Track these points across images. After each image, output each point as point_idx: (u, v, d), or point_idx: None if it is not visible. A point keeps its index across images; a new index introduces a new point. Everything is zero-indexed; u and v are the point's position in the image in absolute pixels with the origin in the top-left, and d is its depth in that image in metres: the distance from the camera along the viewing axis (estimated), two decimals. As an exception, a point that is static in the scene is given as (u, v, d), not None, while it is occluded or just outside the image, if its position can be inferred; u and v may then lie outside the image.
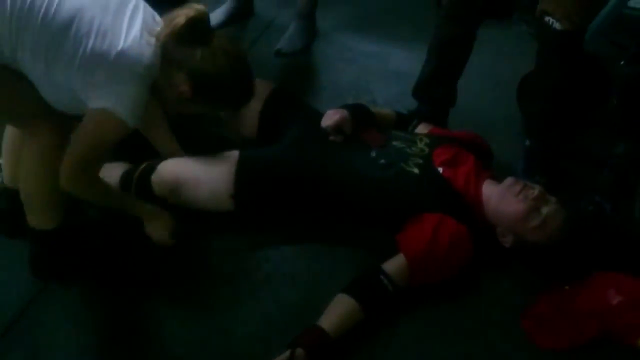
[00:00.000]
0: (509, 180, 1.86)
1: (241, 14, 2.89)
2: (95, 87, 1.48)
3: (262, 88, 2.15)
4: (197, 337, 1.69)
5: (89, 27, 1.45)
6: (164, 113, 1.96)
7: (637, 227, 1.97)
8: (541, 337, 1.73)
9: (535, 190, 1.80)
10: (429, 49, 2.30)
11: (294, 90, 2.33)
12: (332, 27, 2.97)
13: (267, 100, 2.12)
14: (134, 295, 1.79)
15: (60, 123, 1.62)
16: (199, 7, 1.53)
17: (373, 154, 1.92)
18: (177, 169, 1.88)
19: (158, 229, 1.81)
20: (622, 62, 2.49)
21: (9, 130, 1.80)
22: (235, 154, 1.92)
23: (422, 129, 2.16)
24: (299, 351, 1.54)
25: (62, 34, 1.45)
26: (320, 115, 2.02)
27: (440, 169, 1.89)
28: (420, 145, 1.96)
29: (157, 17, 1.60)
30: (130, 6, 1.53)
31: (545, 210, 1.78)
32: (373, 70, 2.74)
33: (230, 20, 2.81)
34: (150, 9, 1.60)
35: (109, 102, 1.48)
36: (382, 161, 1.89)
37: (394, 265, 1.74)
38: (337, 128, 1.95)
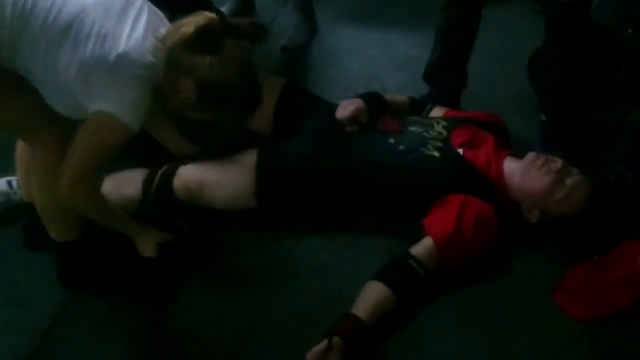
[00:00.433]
0: (530, 155, 1.86)
1: (243, 11, 2.89)
2: (95, 91, 1.45)
3: (274, 84, 2.16)
4: (230, 334, 1.69)
5: (89, 30, 1.43)
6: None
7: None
8: (574, 309, 1.73)
9: (558, 162, 1.80)
10: (436, 33, 2.31)
11: (303, 84, 2.33)
12: (335, 19, 2.98)
13: (280, 95, 2.13)
14: (161, 300, 1.80)
15: (63, 135, 1.57)
16: (210, 15, 1.50)
17: (391, 140, 1.92)
18: (198, 172, 1.89)
19: (148, 244, 1.79)
20: (629, 31, 2.48)
21: (19, 145, 1.79)
22: (253, 152, 1.92)
23: (436, 112, 2.16)
24: (336, 340, 1.54)
25: (61, 38, 1.43)
26: (334, 107, 2.02)
27: (461, 150, 1.89)
28: (438, 128, 1.96)
29: (164, 18, 1.57)
30: (135, 8, 1.51)
31: (569, 181, 1.78)
32: (381, 58, 2.75)
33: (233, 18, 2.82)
34: (155, 9, 1.57)
35: (110, 105, 1.45)
36: (402, 147, 1.89)
37: (422, 248, 1.74)
38: (353, 118, 1.95)
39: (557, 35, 2.10)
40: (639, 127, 2.11)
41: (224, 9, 2.82)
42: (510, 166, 1.88)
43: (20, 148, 1.79)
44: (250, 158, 1.90)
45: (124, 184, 1.93)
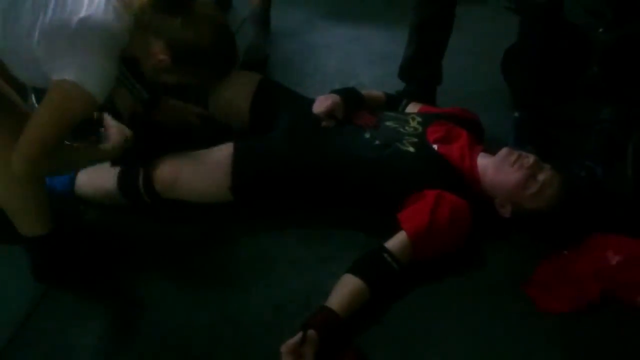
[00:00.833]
0: (503, 151, 1.89)
1: (219, 7, 2.88)
2: (57, 58, 1.38)
3: (250, 79, 2.16)
4: (206, 325, 1.69)
5: None
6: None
7: (629, 186, 2.01)
8: (545, 302, 1.75)
9: (531, 158, 1.83)
10: (410, 31, 2.33)
11: (280, 80, 2.34)
12: (311, 16, 2.99)
13: (256, 90, 2.13)
14: (137, 290, 1.79)
15: (17, 126, 1.47)
16: None
17: (367, 135, 1.93)
18: (173, 165, 1.88)
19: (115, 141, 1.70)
20: (600, 30, 2.53)
21: None
22: (230, 146, 1.92)
23: (411, 108, 2.18)
24: (311, 332, 1.54)
25: (19, 5, 1.37)
26: (310, 102, 2.03)
27: (435, 146, 1.91)
28: (413, 124, 1.98)
29: None
30: None
31: (541, 177, 1.81)
32: (357, 54, 2.77)
33: None
34: None
35: (72, 73, 1.37)
36: (377, 142, 1.90)
37: (396, 242, 1.75)
38: (329, 113, 1.96)
39: (531, 33, 2.14)
40: (609, 124, 2.17)
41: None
42: (484, 161, 1.91)
43: None
44: (226, 152, 1.90)
45: (98, 177, 1.93)
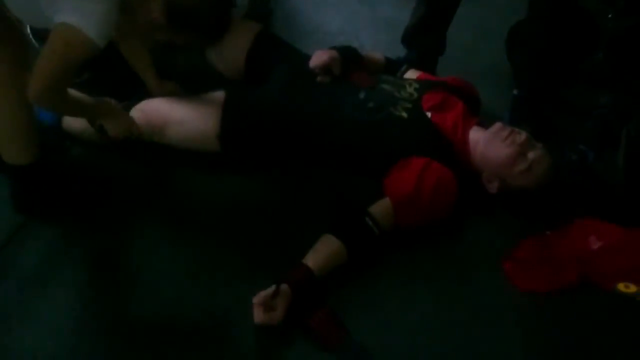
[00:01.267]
0: (496, 125, 1.87)
1: None
2: (59, 2, 1.40)
3: (249, 29, 2.13)
4: (182, 270, 1.69)
5: None
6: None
7: (619, 175, 2.00)
8: (521, 280, 1.76)
9: (522, 135, 1.81)
10: (420, -5, 2.29)
11: (280, 35, 2.30)
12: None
13: (254, 41, 2.10)
14: (117, 231, 1.78)
15: (12, 52, 1.54)
16: None
17: (362, 95, 1.90)
18: (163, 107, 1.86)
19: (116, 126, 1.79)
20: (609, 16, 2.49)
21: None
22: (221, 94, 1.90)
23: (410, 74, 2.15)
24: (284, 287, 1.55)
25: None
26: (307, 58, 2.00)
27: (429, 114, 1.89)
28: (410, 90, 1.95)
29: None
30: None
31: (531, 155, 1.80)
32: (362, 17, 2.73)
33: None
34: None
35: (73, 17, 1.39)
36: (371, 104, 1.88)
37: (379, 207, 1.74)
38: (326, 68, 1.93)
39: (539, 12, 2.10)
40: (606, 110, 2.15)
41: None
42: (476, 135, 1.89)
43: None
44: (217, 99, 1.87)
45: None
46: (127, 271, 1.69)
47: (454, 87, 2.05)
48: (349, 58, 1.99)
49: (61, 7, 1.41)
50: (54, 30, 1.44)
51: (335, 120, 1.86)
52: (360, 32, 2.63)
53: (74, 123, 1.91)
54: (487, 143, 1.84)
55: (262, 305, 1.52)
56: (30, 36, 2.06)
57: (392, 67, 2.16)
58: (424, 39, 2.32)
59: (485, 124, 1.94)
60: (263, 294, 1.52)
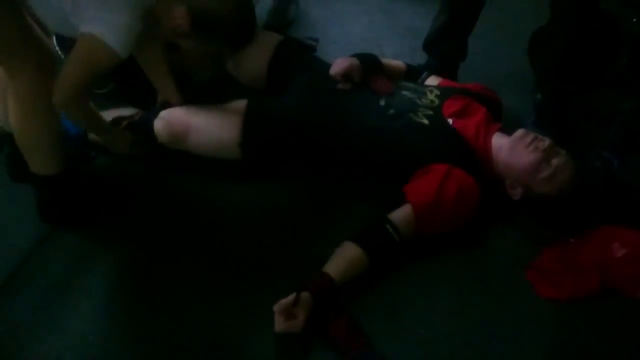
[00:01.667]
0: (519, 131, 1.85)
1: None
2: (84, 12, 1.44)
3: (270, 39, 2.14)
4: (205, 279, 1.71)
5: None
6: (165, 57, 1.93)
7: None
8: (544, 287, 1.74)
9: (546, 141, 1.79)
10: (441, 1, 2.28)
11: (302, 44, 2.32)
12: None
13: (275, 51, 2.11)
14: (141, 239, 1.81)
15: (40, 62, 1.58)
16: None
17: (382, 102, 1.90)
18: (186, 115, 1.88)
19: (111, 145, 1.88)
20: (634, 20, 2.46)
21: None
22: (243, 102, 1.91)
23: (431, 81, 2.14)
24: (305, 295, 1.55)
25: None
26: (328, 66, 2.00)
27: (450, 120, 1.88)
28: (431, 96, 1.95)
29: None
30: None
31: (555, 161, 1.77)
32: (383, 25, 2.73)
33: None
34: None
35: (98, 28, 1.44)
36: (392, 111, 1.88)
37: (400, 215, 1.74)
38: (346, 75, 1.94)
39: (563, 17, 2.08)
40: (630, 116, 2.12)
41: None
42: (499, 141, 1.88)
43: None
44: (239, 108, 1.89)
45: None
46: (151, 280, 1.71)
47: (476, 93, 2.04)
48: (370, 65, 1.99)
49: (86, 17, 1.44)
50: (79, 39, 1.48)
51: (355, 127, 1.86)
52: (382, 40, 2.63)
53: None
54: (510, 149, 1.83)
55: (283, 314, 1.52)
56: (56, 47, 2.10)
57: (413, 74, 2.16)
58: (445, 45, 2.31)
59: (507, 131, 1.93)
60: (284, 302, 1.52)
